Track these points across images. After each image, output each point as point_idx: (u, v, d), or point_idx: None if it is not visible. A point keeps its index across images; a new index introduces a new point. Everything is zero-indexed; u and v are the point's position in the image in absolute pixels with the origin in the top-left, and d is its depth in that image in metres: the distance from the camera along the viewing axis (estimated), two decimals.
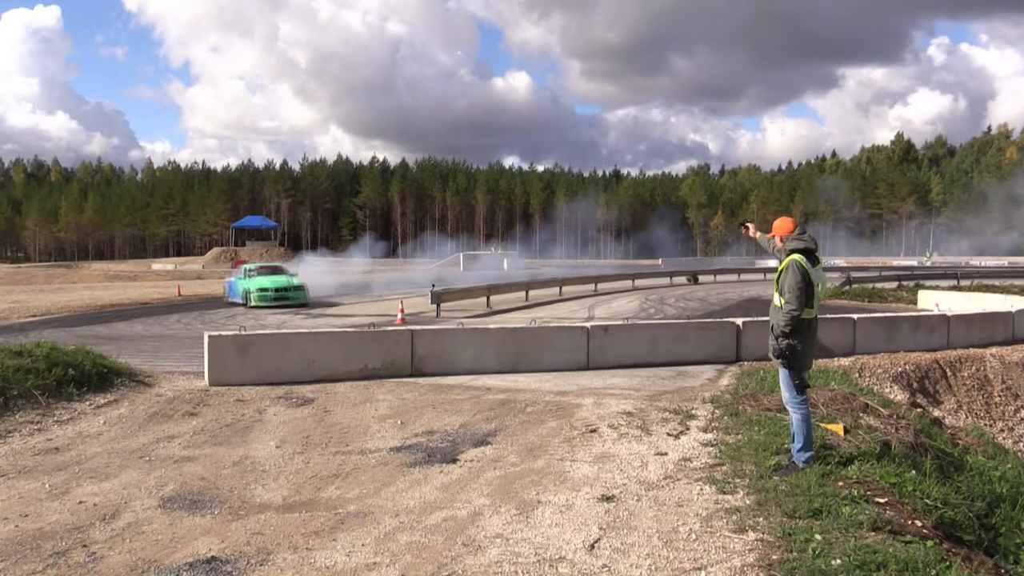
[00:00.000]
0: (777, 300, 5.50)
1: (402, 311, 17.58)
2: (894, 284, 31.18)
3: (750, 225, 6.53)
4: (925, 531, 4.49)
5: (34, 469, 5.76)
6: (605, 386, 8.90)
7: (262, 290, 20.91)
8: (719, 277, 39.61)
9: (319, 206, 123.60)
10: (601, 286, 30.88)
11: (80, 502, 5.04)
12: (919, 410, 9.29)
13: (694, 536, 4.37)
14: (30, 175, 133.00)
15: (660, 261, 68.07)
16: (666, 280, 36.21)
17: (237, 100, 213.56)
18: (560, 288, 27.68)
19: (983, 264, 61.24)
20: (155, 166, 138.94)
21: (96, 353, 8.90)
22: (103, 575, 3.99)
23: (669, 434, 6.64)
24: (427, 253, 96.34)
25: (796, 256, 5.42)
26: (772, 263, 6.77)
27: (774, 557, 4.01)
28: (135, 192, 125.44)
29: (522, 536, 4.43)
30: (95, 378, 8.18)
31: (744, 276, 40.24)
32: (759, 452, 5.79)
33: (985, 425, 10.72)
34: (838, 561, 3.85)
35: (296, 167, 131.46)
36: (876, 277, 33.88)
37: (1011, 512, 5.94)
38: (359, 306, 22.25)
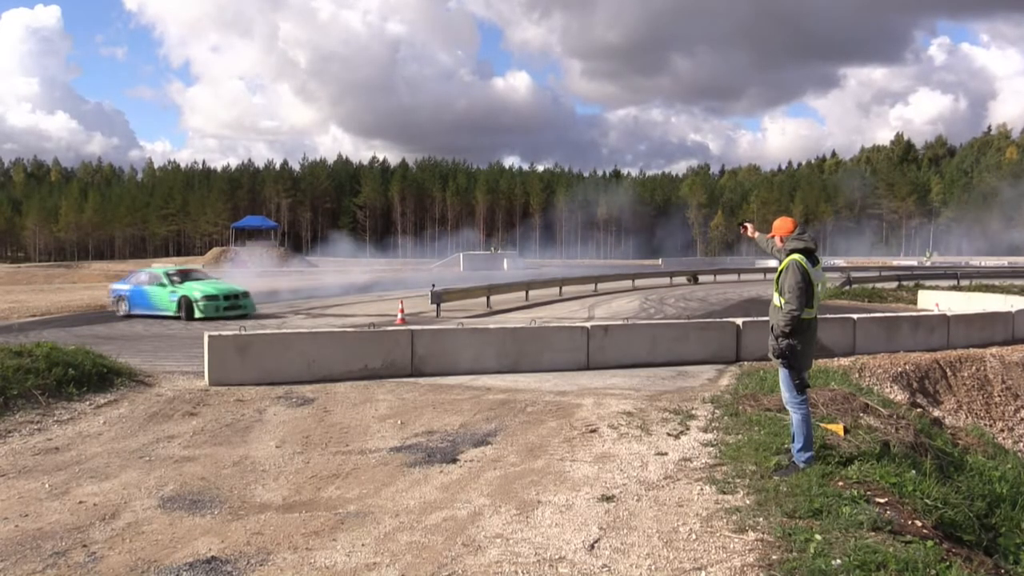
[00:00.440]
0: (777, 300, 5.50)
1: (402, 311, 17.58)
2: (894, 284, 31.18)
3: (749, 225, 6.53)
4: (925, 531, 4.49)
5: (34, 469, 5.76)
6: (605, 386, 8.90)
7: (210, 298, 17.72)
8: (719, 277, 39.62)
9: (319, 206, 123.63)
10: (601, 286, 30.89)
11: (80, 502, 5.04)
12: (919, 410, 9.29)
13: (694, 536, 4.37)
14: (30, 175, 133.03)
15: (660, 261, 68.10)
16: (666, 280, 36.21)
17: (237, 100, 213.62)
18: (560, 288, 27.68)
19: (983, 264, 61.24)
20: (155, 166, 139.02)
21: (96, 353, 8.90)
22: (103, 575, 3.99)
23: (669, 434, 6.64)
24: (427, 253, 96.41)
25: (796, 256, 5.42)
26: (772, 263, 6.77)
27: (774, 557, 4.01)
28: (135, 192, 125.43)
29: (522, 536, 4.43)
30: (95, 378, 8.18)
31: (744, 276, 40.24)
32: (759, 452, 5.79)
33: (985, 425, 10.72)
34: (838, 561, 3.85)
35: (296, 167, 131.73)
36: (876, 277, 33.89)
37: (1011, 512, 5.94)
38: (359, 306, 22.24)
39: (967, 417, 11.00)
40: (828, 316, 12.86)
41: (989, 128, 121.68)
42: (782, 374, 5.55)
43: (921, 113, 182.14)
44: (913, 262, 66.89)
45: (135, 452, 6.20)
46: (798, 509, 4.61)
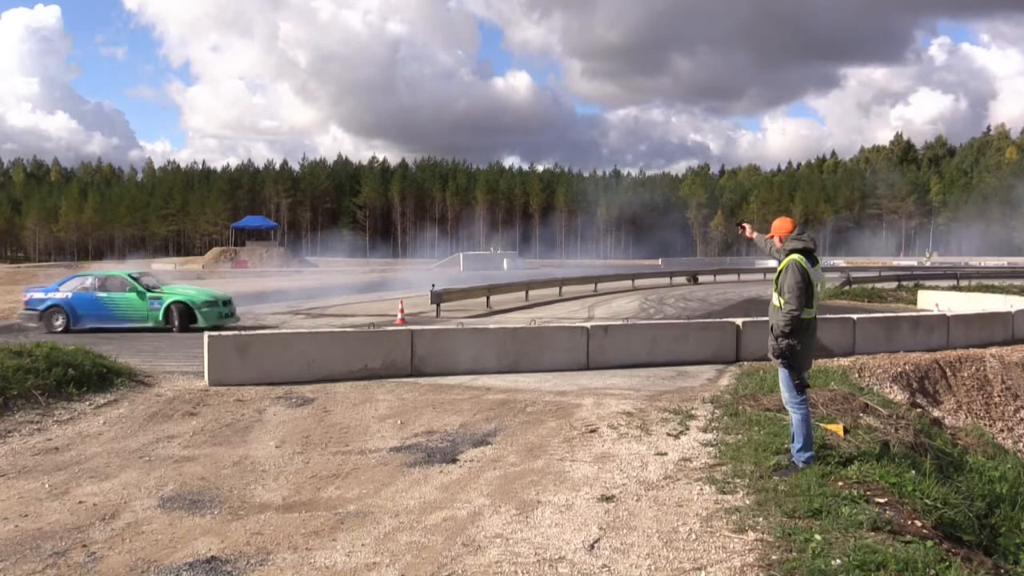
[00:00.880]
0: (776, 300, 5.51)
1: (402, 311, 17.58)
2: (894, 284, 31.21)
3: (747, 226, 6.54)
4: (925, 531, 4.49)
5: (34, 469, 5.76)
6: (605, 386, 8.90)
7: (211, 303, 15.49)
8: (719, 277, 39.64)
9: (319, 206, 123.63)
10: (601, 286, 30.90)
11: (80, 502, 5.04)
12: (919, 410, 9.30)
13: (694, 536, 4.38)
14: (30, 175, 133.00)
15: (660, 261, 68.17)
16: (666, 280, 36.23)
17: (237, 100, 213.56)
18: (560, 288, 27.70)
19: (983, 264, 61.28)
20: (155, 166, 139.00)
21: (96, 353, 8.90)
22: (103, 575, 3.99)
23: (669, 434, 6.65)
24: (427, 253, 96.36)
25: (795, 256, 5.42)
26: (772, 264, 6.76)
27: (774, 557, 4.01)
28: (135, 192, 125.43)
29: (522, 536, 4.43)
30: (95, 378, 8.18)
31: (744, 276, 40.26)
32: (759, 452, 5.79)
33: (985, 425, 10.72)
34: (838, 561, 3.85)
35: (296, 167, 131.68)
36: (876, 277, 33.92)
37: (1011, 512, 5.94)
38: (359, 306, 22.24)
39: (967, 417, 11.00)
40: (828, 316, 12.87)
41: (988, 128, 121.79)
42: (782, 374, 5.55)
43: (921, 113, 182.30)
44: (913, 262, 66.96)
45: (135, 452, 6.20)
46: (798, 509, 4.61)
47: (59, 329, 14.84)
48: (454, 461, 5.93)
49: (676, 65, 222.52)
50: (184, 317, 15.14)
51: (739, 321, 11.54)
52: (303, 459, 6.04)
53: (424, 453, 6.15)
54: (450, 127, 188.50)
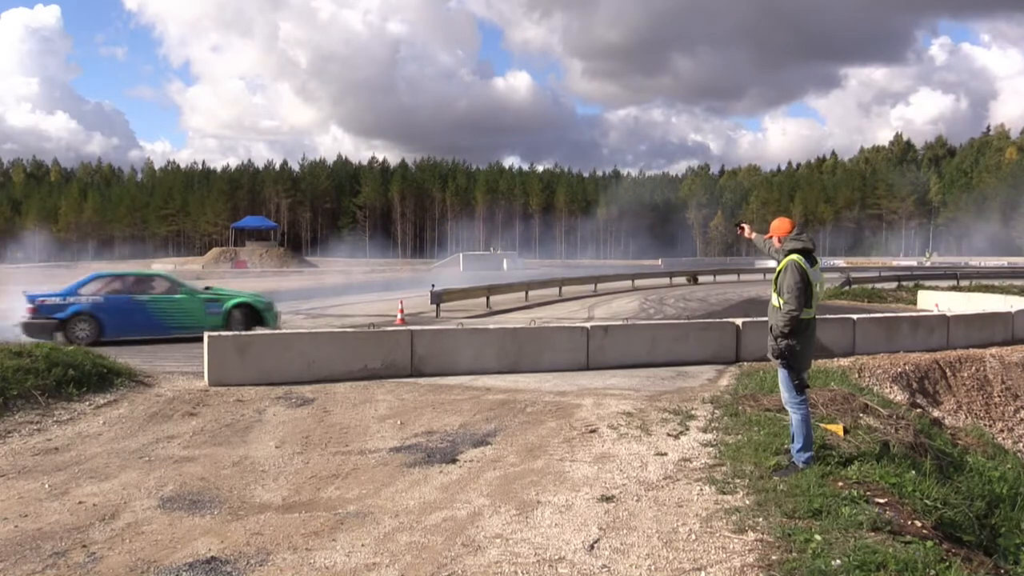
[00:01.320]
0: (776, 300, 5.51)
1: (402, 311, 17.59)
2: (894, 284, 31.24)
3: (746, 226, 6.53)
4: (925, 531, 4.49)
5: (34, 469, 5.76)
6: (605, 386, 8.90)
7: (269, 307, 14.20)
8: (719, 277, 39.66)
9: (319, 206, 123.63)
10: (601, 286, 30.91)
11: (80, 502, 5.04)
12: (919, 410, 9.30)
13: (694, 536, 4.38)
14: (30, 175, 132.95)
15: (660, 261, 68.22)
16: (666, 280, 36.25)
17: (237, 100, 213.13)
18: (560, 288, 27.70)
19: (983, 264, 61.33)
20: (155, 166, 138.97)
21: (96, 353, 8.90)
22: (103, 575, 3.99)
23: (669, 434, 6.64)
24: (427, 253, 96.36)
25: (794, 256, 5.42)
26: (772, 264, 6.75)
27: (774, 557, 4.01)
28: (135, 192, 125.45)
29: (522, 536, 4.43)
30: (95, 378, 8.18)
31: (744, 276, 40.29)
32: (759, 452, 5.79)
33: (985, 425, 10.72)
34: (838, 561, 3.85)
35: (296, 167, 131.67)
36: (876, 277, 33.95)
37: (1011, 512, 5.94)
38: (358, 306, 22.24)
39: (967, 417, 11.00)
40: (828, 316, 12.87)
41: (988, 128, 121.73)
42: (781, 374, 5.56)
43: (922, 113, 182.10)
44: (913, 262, 67.00)
45: (135, 452, 6.20)
46: (798, 509, 4.61)
47: (84, 340, 12.20)
48: (454, 461, 5.93)
49: (677, 65, 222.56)
50: (249, 321, 13.43)
51: (739, 321, 11.54)
52: (303, 459, 6.04)
53: (424, 453, 6.15)
54: (450, 127, 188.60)
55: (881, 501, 4.82)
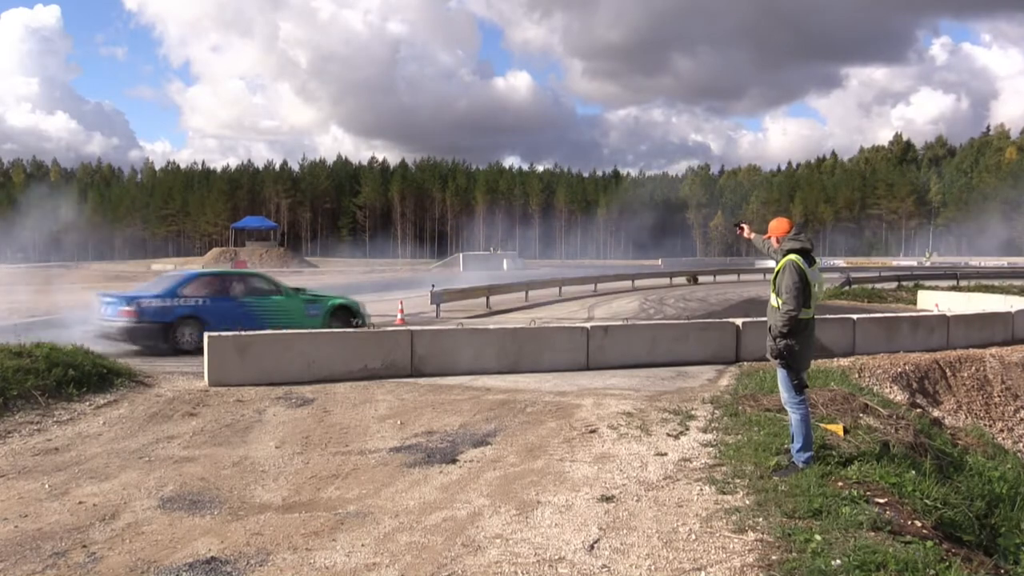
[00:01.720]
0: (774, 301, 5.51)
1: (402, 311, 17.58)
2: (894, 284, 31.26)
3: (745, 226, 6.53)
4: (925, 531, 4.49)
5: (34, 469, 5.76)
6: (605, 386, 8.90)
7: (361, 309, 13.90)
8: (719, 277, 39.66)
9: (319, 206, 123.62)
10: (601, 286, 30.91)
11: (80, 502, 5.04)
12: (919, 410, 9.30)
13: (694, 536, 4.38)
14: (30, 175, 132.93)
15: (660, 261, 68.22)
16: (666, 280, 36.25)
17: (237, 100, 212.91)
18: (560, 288, 27.71)
19: (983, 264, 61.32)
20: (155, 166, 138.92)
21: (96, 353, 8.90)
22: (103, 575, 3.99)
23: (669, 434, 6.64)
24: (427, 253, 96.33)
25: (793, 256, 5.43)
26: (772, 264, 6.75)
27: (774, 557, 4.01)
28: (135, 192, 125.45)
29: (522, 536, 4.43)
30: (95, 378, 8.17)
31: (744, 276, 40.28)
32: (759, 452, 5.79)
33: (985, 425, 10.72)
34: (838, 561, 3.85)
35: (296, 167, 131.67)
36: (876, 277, 33.98)
37: (1011, 512, 5.94)
38: None
39: (967, 417, 11.01)
40: (828, 316, 12.87)
41: (988, 128, 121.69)
42: (780, 374, 5.56)
43: (923, 113, 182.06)
44: (913, 262, 67.00)
45: (135, 452, 6.20)
46: (798, 509, 4.61)
47: (189, 346, 11.39)
48: (454, 461, 5.93)
49: (677, 65, 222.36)
50: (349, 324, 12.94)
51: (739, 321, 11.54)
52: (303, 459, 6.04)
53: (424, 453, 6.15)
54: (450, 127, 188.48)
55: (881, 501, 4.82)
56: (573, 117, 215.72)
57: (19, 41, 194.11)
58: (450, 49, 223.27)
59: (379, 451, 6.25)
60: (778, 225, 5.78)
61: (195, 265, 71.68)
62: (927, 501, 5.05)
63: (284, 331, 9.72)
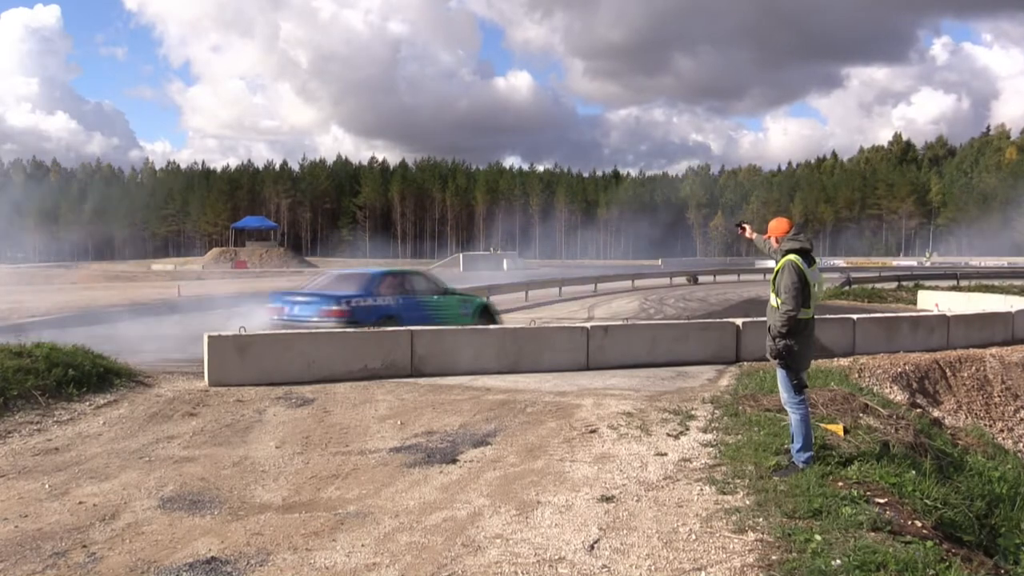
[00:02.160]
0: (774, 301, 5.51)
1: None
2: (894, 284, 31.25)
3: (747, 226, 6.52)
4: (925, 531, 4.49)
5: (34, 469, 5.76)
6: (605, 386, 8.91)
7: (495, 309, 14.30)
8: (719, 277, 39.67)
9: (319, 206, 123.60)
10: (601, 286, 30.92)
11: (80, 502, 5.04)
12: (919, 410, 9.30)
13: (694, 536, 4.38)
14: (30, 175, 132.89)
15: (660, 261, 68.24)
16: (666, 280, 36.26)
17: (238, 100, 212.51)
18: (560, 288, 27.72)
19: (983, 264, 61.33)
20: (155, 166, 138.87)
21: (96, 353, 8.89)
22: (103, 575, 4.00)
23: (669, 434, 6.64)
24: (427, 253, 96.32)
25: (792, 256, 5.42)
26: (772, 264, 6.75)
27: (774, 557, 4.01)
28: (135, 192, 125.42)
29: (522, 536, 4.44)
30: (95, 378, 8.17)
31: (744, 276, 40.30)
32: (759, 452, 5.79)
33: (985, 425, 10.72)
34: (838, 561, 3.85)
35: (296, 167, 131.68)
36: (876, 277, 33.99)
37: (1011, 512, 5.95)
38: None
39: (967, 417, 11.01)
40: (828, 316, 12.87)
41: (988, 128, 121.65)
42: (780, 375, 5.56)
43: (924, 113, 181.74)
44: (913, 262, 67.04)
45: (135, 452, 6.20)
46: (798, 509, 4.62)
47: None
48: (454, 461, 5.93)
49: (678, 65, 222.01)
50: (492, 322, 13.09)
51: (739, 321, 11.54)
52: (303, 459, 6.04)
53: (424, 453, 6.15)
54: (451, 127, 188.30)
55: (881, 501, 4.82)
56: (574, 117, 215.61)
57: (19, 41, 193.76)
58: (451, 49, 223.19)
59: (379, 451, 6.25)
60: (778, 225, 5.78)
61: (195, 265, 71.65)
62: (927, 501, 5.05)
63: (284, 331, 9.72)
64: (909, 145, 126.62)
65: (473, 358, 9.77)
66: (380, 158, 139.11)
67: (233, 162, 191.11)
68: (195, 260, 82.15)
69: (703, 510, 4.79)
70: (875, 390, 9.67)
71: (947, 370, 11.79)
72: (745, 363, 10.80)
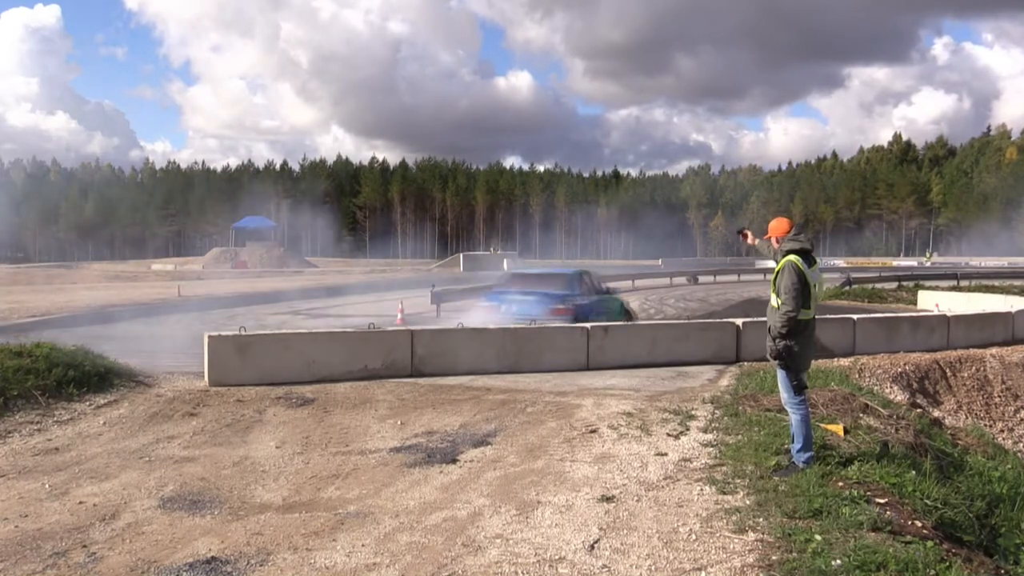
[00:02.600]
0: (774, 301, 5.50)
1: (402, 311, 17.59)
2: (894, 284, 31.23)
3: (748, 233, 6.50)
4: (925, 531, 4.49)
5: (34, 469, 5.76)
6: (605, 386, 8.90)
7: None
8: (719, 277, 39.67)
9: (319, 206, 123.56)
10: None
11: (80, 502, 5.04)
12: (919, 410, 9.29)
13: (694, 536, 4.38)
14: (30, 175, 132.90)
15: (660, 261, 68.20)
16: (666, 280, 36.26)
17: (238, 100, 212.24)
18: None
19: (983, 264, 61.29)
20: (156, 166, 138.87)
21: (96, 353, 8.90)
22: (103, 575, 4.00)
23: (669, 434, 6.64)
24: (427, 253, 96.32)
25: (792, 257, 5.42)
26: (772, 264, 6.75)
27: (774, 557, 4.01)
28: (135, 192, 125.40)
29: (522, 536, 4.44)
30: (95, 378, 8.17)
31: (744, 276, 40.30)
32: (759, 452, 5.79)
33: (985, 425, 10.72)
34: (838, 561, 3.85)
35: (296, 167, 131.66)
36: (876, 278, 33.98)
37: (1011, 512, 5.94)
38: (359, 306, 22.24)
39: (967, 417, 11.01)
40: (828, 316, 12.87)
41: (989, 128, 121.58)
42: (780, 375, 5.56)
43: (924, 113, 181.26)
44: (913, 262, 67.00)
45: (135, 452, 6.20)
46: (798, 509, 4.61)
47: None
48: (454, 461, 5.93)
49: (679, 65, 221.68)
50: (631, 319, 13.72)
51: (739, 321, 11.54)
52: (303, 459, 6.04)
53: (424, 453, 6.15)
54: (451, 127, 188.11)
55: (881, 501, 4.82)
56: (574, 117, 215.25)
57: (19, 41, 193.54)
58: (451, 49, 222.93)
59: (379, 451, 6.25)
60: (778, 225, 5.77)
61: (195, 265, 71.64)
62: (927, 501, 5.05)
63: (284, 331, 9.71)
64: (909, 145, 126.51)
65: (473, 358, 9.77)
66: (380, 158, 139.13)
67: (233, 162, 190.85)
68: (195, 260, 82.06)
69: (703, 510, 4.79)
70: (875, 390, 9.67)
71: (947, 370, 11.79)
72: (745, 363, 10.80)
